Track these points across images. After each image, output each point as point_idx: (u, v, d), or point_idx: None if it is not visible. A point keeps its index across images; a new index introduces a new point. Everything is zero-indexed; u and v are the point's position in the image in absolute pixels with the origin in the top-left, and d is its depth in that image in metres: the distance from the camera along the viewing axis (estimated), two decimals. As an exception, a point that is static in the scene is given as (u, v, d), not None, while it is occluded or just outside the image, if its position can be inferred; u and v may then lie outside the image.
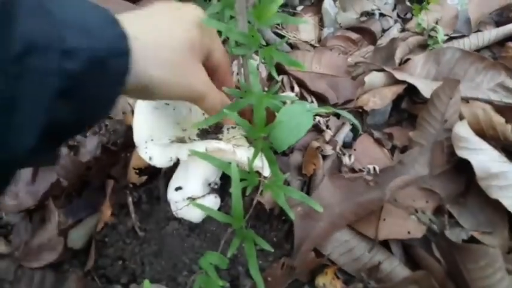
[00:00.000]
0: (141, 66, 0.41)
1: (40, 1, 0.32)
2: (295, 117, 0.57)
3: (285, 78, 0.77)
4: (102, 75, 0.36)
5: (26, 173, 0.64)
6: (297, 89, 0.76)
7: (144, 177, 0.70)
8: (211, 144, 0.59)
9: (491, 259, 0.51)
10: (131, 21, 0.39)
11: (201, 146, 0.59)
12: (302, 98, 0.79)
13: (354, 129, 0.81)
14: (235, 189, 0.50)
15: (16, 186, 0.63)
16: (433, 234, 0.64)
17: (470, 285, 0.54)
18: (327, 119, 0.73)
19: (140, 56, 0.40)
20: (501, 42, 0.96)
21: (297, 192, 0.55)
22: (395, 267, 0.61)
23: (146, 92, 0.45)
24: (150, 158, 0.60)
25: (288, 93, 0.74)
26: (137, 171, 0.69)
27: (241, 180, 0.52)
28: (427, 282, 0.51)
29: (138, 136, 0.62)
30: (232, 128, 0.71)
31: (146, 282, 0.48)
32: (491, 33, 0.95)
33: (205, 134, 0.69)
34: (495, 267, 0.52)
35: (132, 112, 0.66)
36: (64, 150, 0.65)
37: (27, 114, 0.31)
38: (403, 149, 0.80)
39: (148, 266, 0.64)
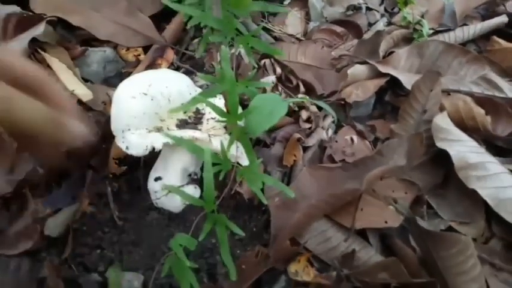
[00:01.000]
0: None
1: None
2: (270, 103, 0.57)
3: (267, 61, 0.77)
4: None
5: (4, 162, 0.65)
6: (279, 70, 0.77)
7: (124, 168, 0.70)
8: (186, 133, 0.60)
9: (462, 246, 0.51)
10: None
11: (177, 135, 0.59)
12: (287, 81, 0.79)
13: (337, 122, 0.82)
14: (207, 172, 0.51)
15: (-5, 175, 0.63)
16: (410, 224, 0.64)
17: (442, 273, 0.54)
18: (308, 107, 0.73)
19: None
20: (486, 36, 0.96)
21: (271, 179, 0.55)
22: (371, 256, 0.61)
23: None
24: (127, 147, 0.60)
25: (269, 78, 0.74)
26: (117, 161, 0.69)
27: (214, 165, 0.52)
28: (397, 269, 0.51)
29: (115, 125, 0.62)
30: (212, 119, 0.71)
31: (112, 271, 0.48)
32: (477, 27, 0.95)
33: (184, 124, 0.69)
34: (466, 254, 0.52)
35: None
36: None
37: None
38: (385, 141, 0.81)
39: (126, 255, 0.64)
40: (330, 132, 0.79)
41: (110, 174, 0.70)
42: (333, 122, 0.81)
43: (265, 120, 0.57)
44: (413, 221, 0.55)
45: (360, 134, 0.79)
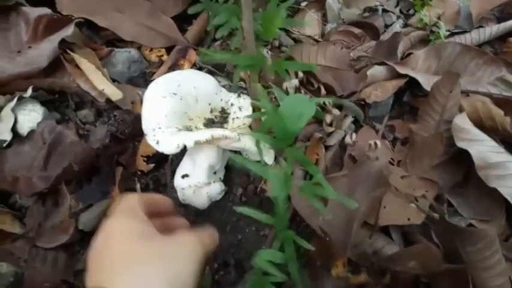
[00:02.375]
0: None
1: None
2: (298, 106, 0.58)
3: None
4: None
5: (38, 159, 0.67)
6: (301, 74, 0.79)
7: (152, 165, 0.72)
8: (217, 132, 0.62)
9: (488, 241, 0.53)
10: None
11: (208, 133, 0.61)
12: (309, 84, 0.81)
13: (356, 122, 0.84)
14: (279, 192, 0.51)
15: (29, 172, 0.65)
16: (432, 221, 0.66)
17: (469, 269, 0.55)
18: (330, 111, 0.75)
19: None
20: (502, 38, 0.97)
21: (333, 193, 0.56)
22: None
23: None
24: (158, 145, 0.62)
25: (292, 82, 0.76)
26: (145, 158, 0.71)
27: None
28: (427, 256, 0.53)
29: (146, 124, 0.64)
30: (237, 118, 0.73)
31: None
32: (493, 29, 0.96)
33: (211, 123, 0.71)
34: (492, 249, 0.53)
35: (141, 102, 0.68)
36: (74, 138, 0.67)
37: None
38: (404, 141, 0.82)
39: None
40: (350, 133, 0.80)
41: (138, 171, 0.72)
42: (352, 122, 0.83)
43: (296, 124, 0.59)
44: (440, 216, 0.56)
45: (379, 134, 0.81)
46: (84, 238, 0.62)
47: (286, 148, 0.60)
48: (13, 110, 0.72)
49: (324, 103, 0.73)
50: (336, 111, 0.75)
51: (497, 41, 0.99)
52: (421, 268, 0.55)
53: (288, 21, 0.58)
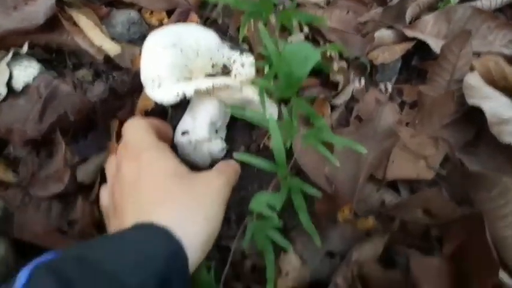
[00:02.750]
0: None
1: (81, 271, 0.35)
2: (301, 51, 0.56)
3: (294, 22, 0.77)
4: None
5: (33, 113, 0.65)
6: (306, 30, 0.76)
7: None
8: (218, 80, 0.59)
9: (504, 188, 0.50)
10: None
11: (208, 81, 0.59)
12: (314, 41, 0.78)
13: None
14: (275, 136, 0.50)
15: (24, 125, 0.63)
16: (442, 178, 0.63)
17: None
18: (337, 59, 0.72)
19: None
20: (514, 5, 0.94)
21: (339, 139, 0.54)
22: (403, 207, 0.59)
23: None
24: (156, 95, 0.60)
25: (297, 36, 0.73)
26: (144, 113, 0.68)
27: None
28: (439, 200, 0.50)
29: (145, 74, 0.62)
30: (240, 74, 0.70)
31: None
32: (504, -5, 0.93)
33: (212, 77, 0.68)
34: (507, 197, 0.50)
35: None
36: (68, 89, 0.65)
37: None
38: (412, 105, 0.79)
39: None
40: (357, 88, 0.77)
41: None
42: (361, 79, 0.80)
43: (301, 68, 0.56)
44: (453, 163, 0.53)
45: (387, 95, 0.78)
46: (79, 190, 0.59)
47: (291, 98, 0.57)
48: (8, 65, 0.70)
49: (330, 56, 0.71)
50: (342, 63, 0.72)
51: (509, 9, 0.96)
52: (431, 217, 0.52)
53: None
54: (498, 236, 0.52)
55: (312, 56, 0.56)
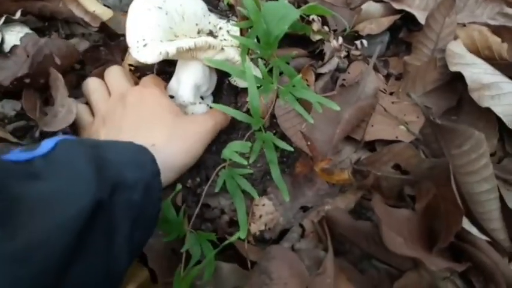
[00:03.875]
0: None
1: (98, 154, 0.40)
2: (280, 9, 0.57)
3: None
4: (151, 198, 0.43)
5: (22, 69, 0.67)
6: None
7: (137, 75, 0.71)
8: (199, 39, 0.60)
9: (475, 142, 0.50)
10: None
11: (190, 41, 0.60)
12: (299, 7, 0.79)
13: (348, 57, 0.82)
14: (251, 88, 0.51)
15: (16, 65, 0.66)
16: (420, 142, 0.64)
17: (455, 175, 0.53)
18: (315, 20, 0.73)
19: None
20: (504, -19, 0.94)
21: (313, 95, 0.55)
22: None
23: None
24: (140, 54, 0.61)
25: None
26: (131, 67, 0.70)
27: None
28: (409, 152, 0.51)
29: (130, 36, 0.63)
30: (225, 40, 0.72)
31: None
32: (494, -29, 0.93)
33: (198, 43, 0.70)
34: (479, 152, 0.51)
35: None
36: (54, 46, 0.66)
37: (121, 244, 0.37)
38: (398, 76, 0.80)
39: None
40: (343, 65, 0.78)
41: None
42: (345, 56, 0.81)
43: (280, 24, 0.57)
44: (429, 118, 0.53)
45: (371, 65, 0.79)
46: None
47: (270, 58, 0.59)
48: (0, 30, 0.72)
49: (312, 18, 0.72)
50: (329, 45, 0.73)
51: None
52: (403, 170, 0.53)
53: None
54: (469, 192, 0.53)
55: (290, 14, 0.57)
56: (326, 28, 0.73)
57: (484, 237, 0.49)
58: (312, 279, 0.46)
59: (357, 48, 0.75)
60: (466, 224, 0.49)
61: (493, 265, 0.46)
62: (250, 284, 0.47)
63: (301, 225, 0.52)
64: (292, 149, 0.53)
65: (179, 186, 0.56)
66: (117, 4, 0.85)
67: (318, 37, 0.72)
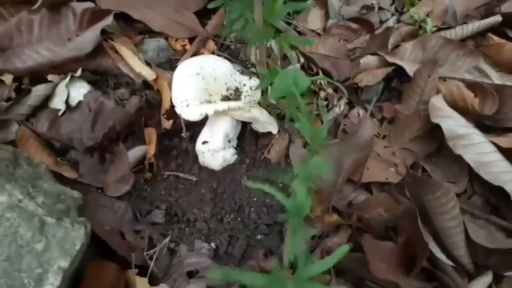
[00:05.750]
0: None
1: None
2: (293, 76, 0.72)
3: (293, 54, 0.94)
4: None
5: (86, 123, 0.83)
6: (302, 60, 0.93)
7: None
8: (232, 103, 0.77)
9: (444, 190, 0.67)
10: None
11: (225, 104, 0.77)
12: (309, 69, 0.95)
13: (349, 103, 0.98)
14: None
15: (80, 134, 0.82)
16: (406, 181, 0.80)
17: (429, 213, 0.69)
18: (324, 89, 0.89)
19: None
20: (483, 33, 1.10)
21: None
22: (374, 204, 0.77)
23: None
24: (185, 114, 0.78)
25: (294, 66, 0.90)
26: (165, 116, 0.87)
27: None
28: (388, 201, 0.67)
29: (175, 97, 0.80)
30: (248, 96, 0.88)
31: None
32: (474, 25, 1.09)
33: (227, 99, 0.86)
34: (448, 197, 0.67)
35: (169, 82, 0.84)
36: (114, 105, 0.83)
37: None
38: (391, 120, 0.96)
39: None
40: (343, 108, 0.94)
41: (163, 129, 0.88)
42: (346, 103, 0.97)
43: (288, 89, 0.73)
44: (409, 172, 0.70)
45: (369, 113, 0.95)
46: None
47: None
48: (66, 86, 0.88)
49: (320, 83, 0.88)
50: (330, 90, 0.89)
51: (479, 36, 1.11)
52: (386, 213, 0.69)
53: (289, 5, 0.72)
54: (441, 227, 0.69)
55: (303, 81, 0.73)
56: (330, 91, 0.89)
57: (450, 263, 0.66)
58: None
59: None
60: (437, 252, 0.66)
61: (455, 286, 0.62)
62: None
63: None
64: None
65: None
66: (155, 57, 1.01)
67: (324, 103, 0.88)
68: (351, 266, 0.65)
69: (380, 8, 1.20)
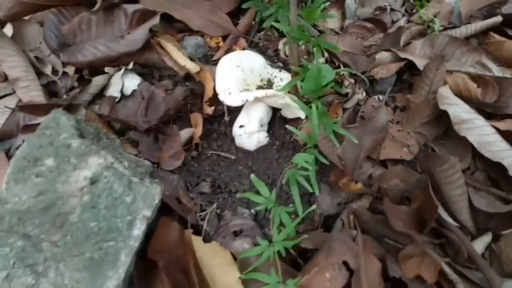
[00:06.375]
0: None
1: None
2: (322, 71, 0.85)
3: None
4: None
5: (141, 109, 0.96)
6: (326, 55, 1.06)
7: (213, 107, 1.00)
8: (269, 91, 0.90)
9: (451, 163, 0.79)
10: None
11: (263, 92, 0.90)
12: (331, 63, 1.08)
13: (366, 94, 1.11)
14: (314, 119, 0.79)
15: (135, 118, 0.95)
16: (417, 159, 0.93)
17: (437, 183, 0.82)
18: (347, 78, 1.02)
19: None
20: (485, 32, 1.22)
21: (343, 130, 0.83)
22: (390, 178, 0.89)
23: None
24: (228, 100, 0.91)
25: (319, 60, 1.03)
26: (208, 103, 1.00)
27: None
28: (404, 173, 0.80)
29: (219, 86, 0.93)
30: (279, 86, 1.01)
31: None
32: (477, 25, 1.21)
33: (261, 88, 0.99)
34: (454, 169, 0.80)
35: (209, 74, 0.97)
36: (163, 94, 0.96)
37: None
38: (403, 109, 1.09)
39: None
40: (363, 96, 1.07)
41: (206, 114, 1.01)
42: (364, 91, 1.10)
43: (320, 80, 0.86)
44: (421, 148, 0.82)
45: (384, 102, 1.07)
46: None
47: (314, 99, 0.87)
48: (121, 77, 1.01)
49: (343, 74, 1.01)
50: (352, 80, 1.02)
51: (481, 35, 1.24)
52: (402, 184, 0.82)
53: (323, 14, 0.85)
54: (448, 195, 0.82)
55: (329, 75, 0.86)
56: (352, 80, 1.02)
57: (455, 224, 0.78)
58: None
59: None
60: (445, 215, 0.78)
61: (460, 241, 0.75)
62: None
63: (341, 219, 0.81)
64: (327, 163, 0.82)
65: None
66: (193, 53, 1.14)
67: (347, 90, 1.01)
68: (373, 224, 0.78)
69: (392, 10, 1.33)
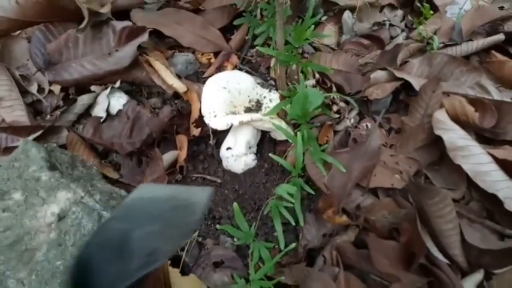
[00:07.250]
0: None
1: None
2: (310, 94, 0.82)
3: (309, 69, 1.03)
4: None
5: (125, 130, 0.94)
6: (317, 76, 1.03)
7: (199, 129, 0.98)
8: (255, 115, 0.87)
9: (442, 196, 0.75)
10: None
11: (248, 116, 0.87)
12: (323, 83, 1.05)
13: (359, 114, 1.07)
14: (299, 148, 0.76)
15: (120, 139, 0.93)
16: (409, 188, 0.89)
17: (428, 216, 0.78)
18: (337, 103, 0.99)
19: None
20: (487, 50, 1.18)
21: (330, 159, 0.80)
22: (380, 207, 0.86)
23: None
24: (213, 123, 0.88)
25: (310, 81, 1.00)
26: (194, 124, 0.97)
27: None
28: (391, 206, 0.76)
29: (204, 108, 0.91)
30: (268, 107, 0.98)
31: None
32: (479, 43, 1.17)
33: (249, 110, 0.96)
34: (445, 202, 0.76)
35: (197, 93, 0.94)
36: (149, 114, 0.94)
37: None
38: (398, 131, 1.05)
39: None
40: (353, 121, 1.04)
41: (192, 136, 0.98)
42: (357, 114, 1.06)
43: (307, 106, 0.83)
44: (411, 180, 0.79)
45: (378, 124, 1.04)
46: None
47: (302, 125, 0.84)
48: (107, 96, 0.99)
49: (333, 97, 0.97)
50: (342, 104, 0.99)
51: (483, 53, 1.19)
52: (390, 216, 0.78)
53: (314, 34, 0.82)
54: (439, 229, 0.78)
55: (317, 99, 0.83)
56: (343, 104, 0.99)
57: (445, 261, 0.74)
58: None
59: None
60: (435, 251, 0.74)
61: (449, 281, 0.71)
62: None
63: (323, 256, 0.78)
64: (313, 193, 0.79)
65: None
66: (183, 70, 1.12)
67: (336, 116, 0.98)
68: (357, 261, 0.74)
69: (391, 25, 1.29)
